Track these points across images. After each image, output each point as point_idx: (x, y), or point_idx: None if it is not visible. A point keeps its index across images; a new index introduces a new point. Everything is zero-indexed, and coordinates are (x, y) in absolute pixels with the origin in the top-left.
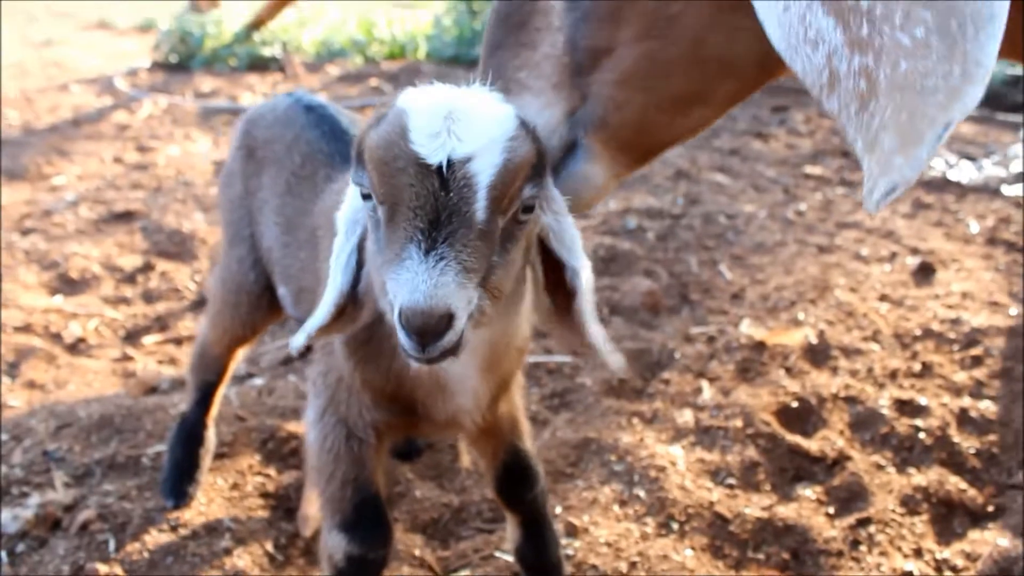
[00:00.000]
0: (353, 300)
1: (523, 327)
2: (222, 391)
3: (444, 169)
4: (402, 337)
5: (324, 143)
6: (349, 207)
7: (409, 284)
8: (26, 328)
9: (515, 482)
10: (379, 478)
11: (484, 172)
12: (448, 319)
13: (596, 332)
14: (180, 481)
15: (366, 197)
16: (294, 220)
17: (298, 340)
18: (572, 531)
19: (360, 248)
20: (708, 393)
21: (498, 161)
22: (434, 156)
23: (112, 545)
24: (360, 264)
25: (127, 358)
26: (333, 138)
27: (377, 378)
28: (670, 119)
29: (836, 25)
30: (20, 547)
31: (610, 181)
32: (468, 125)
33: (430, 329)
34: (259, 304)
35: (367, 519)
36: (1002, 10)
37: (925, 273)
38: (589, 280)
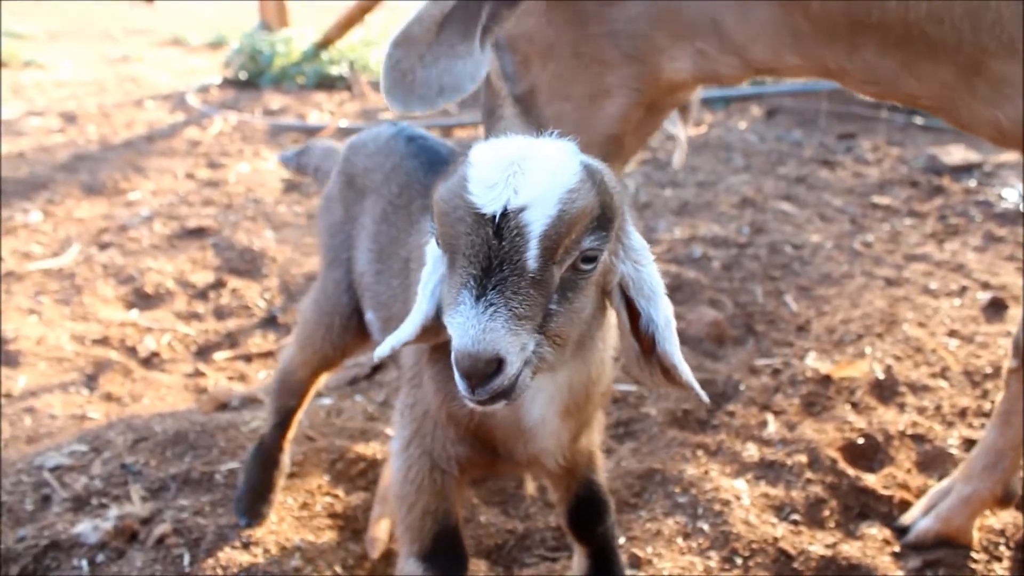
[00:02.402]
0: (437, 322)
1: (605, 371)
2: (299, 416)
3: (498, 219)
4: (457, 379)
5: (421, 174)
6: (430, 230)
7: (461, 328)
8: (104, 341)
9: (588, 515)
10: (459, 510)
11: (537, 222)
12: (498, 364)
13: (687, 372)
14: (255, 501)
15: (438, 242)
16: (388, 248)
17: (382, 351)
18: (636, 562)
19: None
20: (773, 427)
21: (552, 212)
22: (489, 206)
23: (187, 560)
24: None
25: (199, 374)
26: (430, 169)
27: (461, 415)
28: (594, 113)
29: None
30: (100, 557)
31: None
32: (526, 177)
33: (478, 372)
34: (349, 327)
35: (445, 550)
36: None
37: (996, 309)
38: (671, 324)
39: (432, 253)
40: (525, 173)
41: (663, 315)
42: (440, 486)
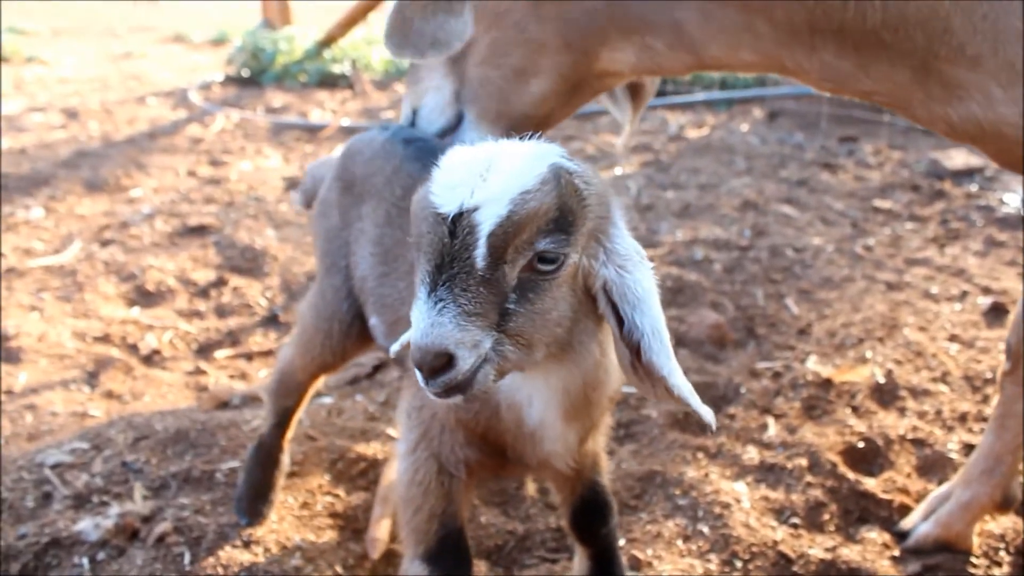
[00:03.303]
0: None
1: (608, 376)
2: (298, 415)
3: (452, 218)
4: (414, 369)
5: (426, 174)
6: None
7: (414, 322)
8: (105, 338)
9: (591, 517)
10: (464, 513)
11: (486, 222)
12: (447, 358)
13: (679, 384)
14: (255, 500)
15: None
16: (393, 251)
17: (395, 347)
18: (635, 564)
19: None
20: (773, 430)
21: (501, 212)
22: (446, 206)
23: (187, 558)
24: None
25: (200, 372)
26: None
27: (469, 418)
28: (517, 88)
29: None
30: (101, 555)
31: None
32: (483, 178)
33: (427, 365)
34: (349, 333)
35: (450, 552)
36: None
37: (997, 314)
38: (658, 333)
39: None
40: (484, 174)
41: (649, 324)
42: (447, 489)
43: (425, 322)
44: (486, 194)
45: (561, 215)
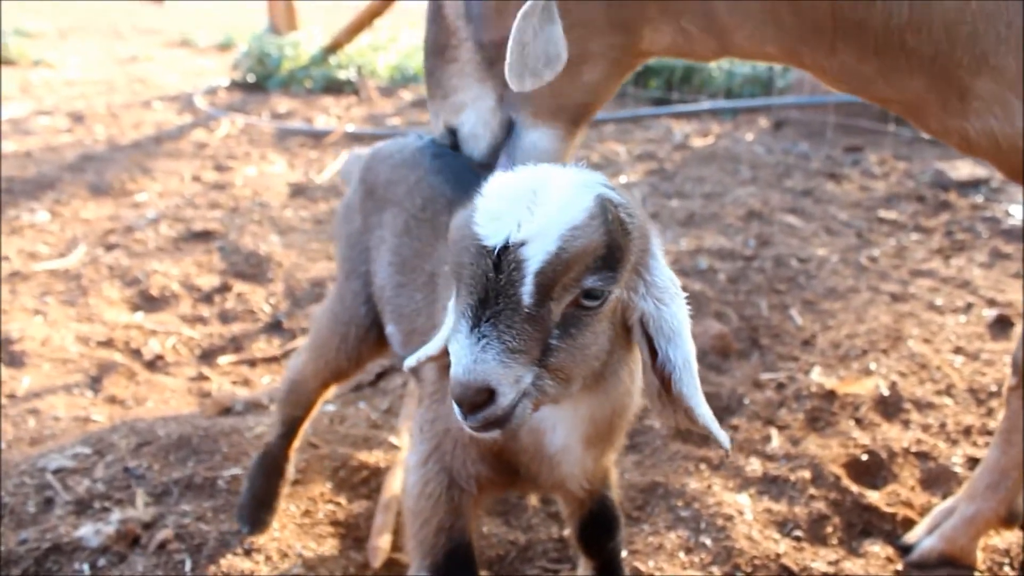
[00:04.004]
0: None
1: (632, 401)
2: (306, 426)
3: (498, 252)
4: (452, 403)
5: (447, 189)
6: None
7: (455, 356)
8: (108, 343)
9: (599, 530)
10: (472, 527)
11: (534, 258)
12: (489, 394)
13: (705, 414)
14: (257, 509)
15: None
16: (411, 262)
17: (410, 362)
18: None
19: None
20: (777, 441)
21: (550, 249)
22: (491, 239)
23: (188, 565)
24: None
25: (203, 377)
26: (456, 185)
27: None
28: (570, 80)
29: None
30: (101, 561)
31: (559, 144)
32: (531, 210)
33: (469, 400)
34: (366, 339)
35: (457, 567)
36: None
37: (1002, 326)
38: (690, 365)
39: None
40: (531, 206)
41: (682, 356)
42: (457, 503)
43: (468, 358)
44: (534, 228)
45: (608, 252)
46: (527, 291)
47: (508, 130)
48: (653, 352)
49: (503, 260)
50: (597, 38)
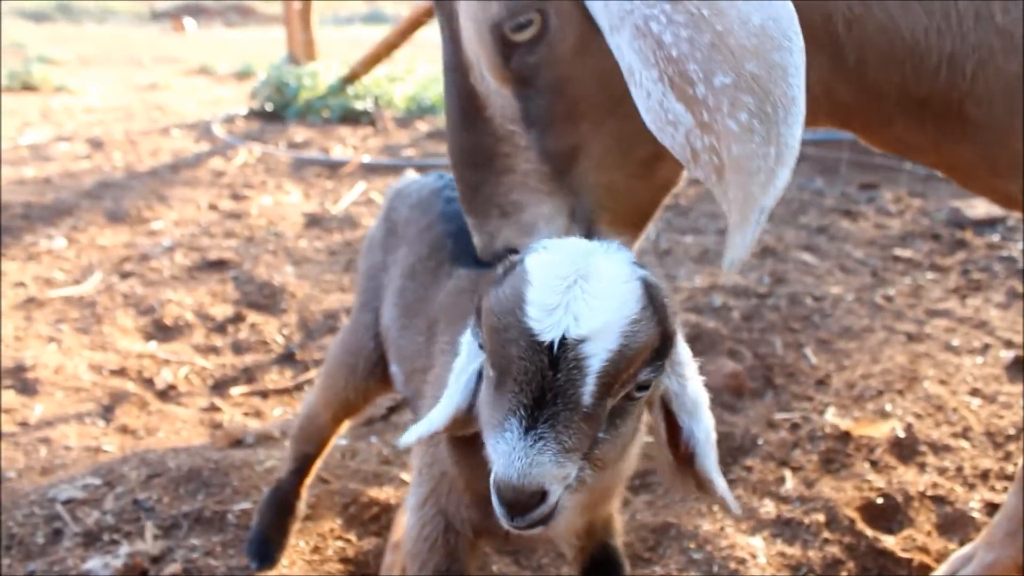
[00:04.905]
0: (468, 414)
1: (631, 465)
2: (319, 463)
3: (555, 347)
4: (495, 504)
5: (451, 241)
6: (474, 335)
7: (505, 458)
8: (121, 372)
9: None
10: (473, 569)
11: (596, 357)
12: (541, 495)
13: (722, 486)
14: (267, 545)
15: (481, 347)
16: (414, 306)
17: (407, 439)
18: None
19: (480, 373)
20: (791, 483)
21: (613, 347)
22: (546, 333)
23: None
24: (479, 384)
25: (214, 408)
26: (460, 237)
27: (478, 484)
28: (646, 181)
29: (686, 110)
30: None
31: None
32: (587, 302)
33: (521, 504)
34: (374, 372)
35: None
36: (800, 92)
37: (1019, 368)
38: (711, 439)
39: (469, 346)
40: (586, 296)
41: (704, 431)
42: (453, 546)
43: (523, 461)
44: (595, 324)
45: (661, 342)
46: (588, 391)
47: None
48: (669, 426)
49: (561, 357)
50: None
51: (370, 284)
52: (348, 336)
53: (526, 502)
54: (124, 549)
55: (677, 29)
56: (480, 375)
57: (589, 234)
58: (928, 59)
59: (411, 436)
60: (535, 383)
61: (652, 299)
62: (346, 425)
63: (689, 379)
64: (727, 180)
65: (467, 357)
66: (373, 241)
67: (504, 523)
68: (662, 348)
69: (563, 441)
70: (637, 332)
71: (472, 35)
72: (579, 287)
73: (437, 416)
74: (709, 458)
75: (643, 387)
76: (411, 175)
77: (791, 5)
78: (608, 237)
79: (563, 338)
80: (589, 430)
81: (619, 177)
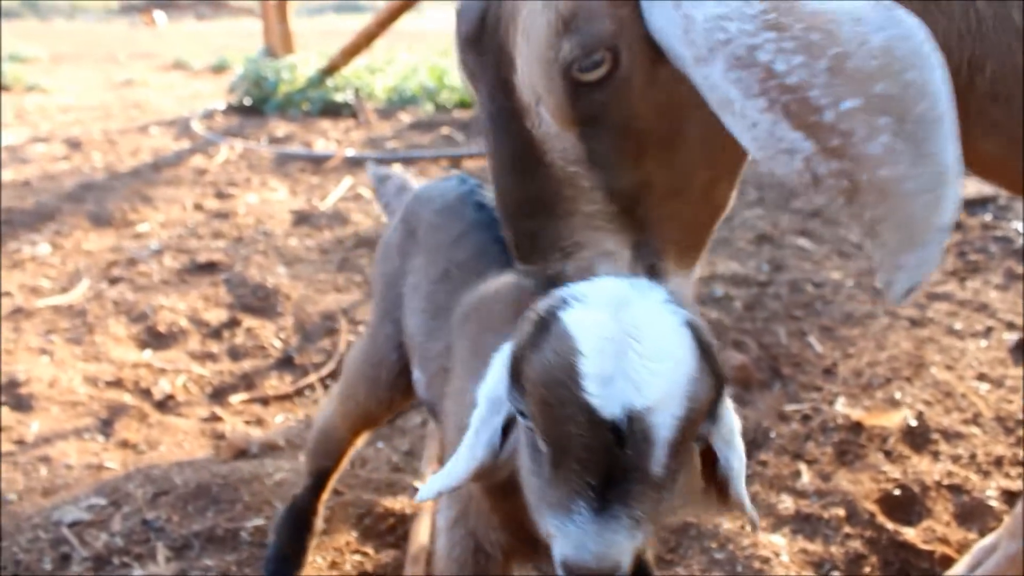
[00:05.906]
0: (489, 466)
1: None
2: (335, 477)
3: (620, 422)
4: None
5: (492, 245)
6: (493, 384)
7: (576, 540)
8: (117, 383)
9: None
10: None
11: (664, 425)
12: (614, 568)
13: (750, 507)
14: (286, 564)
15: (523, 415)
16: (444, 308)
17: (424, 494)
18: None
19: (505, 427)
20: (807, 477)
21: (679, 412)
22: (609, 408)
23: None
24: (503, 436)
25: (215, 418)
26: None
27: (505, 506)
28: (705, 206)
29: (805, 138)
30: None
31: (691, 283)
32: (646, 366)
33: None
34: (396, 384)
35: None
36: (946, 109)
37: (1023, 351)
38: (743, 464)
39: (490, 400)
40: (643, 360)
41: (738, 460)
42: (483, 567)
43: (598, 543)
44: (658, 392)
45: (716, 393)
46: (659, 462)
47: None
48: (704, 457)
49: (627, 431)
50: (725, 152)
51: (390, 293)
52: (369, 347)
53: None
54: (137, 572)
55: (788, 57)
56: (506, 429)
57: (653, 268)
58: (950, 61)
59: (429, 491)
60: (602, 461)
61: (702, 346)
62: (363, 437)
63: (727, 410)
64: (865, 202)
65: (488, 411)
66: (389, 247)
67: None
68: (718, 397)
69: (636, 516)
70: (697, 392)
71: (537, 79)
72: (633, 350)
73: (456, 471)
74: (741, 484)
75: (701, 439)
76: (391, 170)
77: (920, 23)
78: (672, 271)
79: (629, 414)
80: (658, 495)
81: (681, 206)
